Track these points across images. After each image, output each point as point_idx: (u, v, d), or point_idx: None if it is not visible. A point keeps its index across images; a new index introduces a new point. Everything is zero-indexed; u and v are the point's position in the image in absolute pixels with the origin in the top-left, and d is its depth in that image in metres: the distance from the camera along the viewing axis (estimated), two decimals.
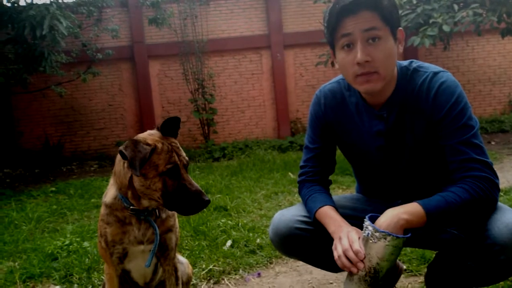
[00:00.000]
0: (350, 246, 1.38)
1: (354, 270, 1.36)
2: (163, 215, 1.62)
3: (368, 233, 1.35)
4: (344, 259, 1.37)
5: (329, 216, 1.53)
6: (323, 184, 1.70)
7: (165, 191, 1.45)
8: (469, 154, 1.36)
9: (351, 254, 1.36)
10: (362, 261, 1.35)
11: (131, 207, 1.53)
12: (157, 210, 1.60)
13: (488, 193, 1.33)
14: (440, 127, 1.42)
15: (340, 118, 1.61)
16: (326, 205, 1.57)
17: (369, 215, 1.40)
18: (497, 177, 1.36)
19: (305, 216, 1.62)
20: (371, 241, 1.34)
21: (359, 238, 1.39)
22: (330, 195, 1.67)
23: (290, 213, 1.66)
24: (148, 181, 1.44)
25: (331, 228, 1.49)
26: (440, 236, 1.50)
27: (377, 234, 1.33)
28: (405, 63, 1.52)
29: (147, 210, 1.55)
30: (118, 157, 1.52)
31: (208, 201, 1.46)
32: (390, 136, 1.53)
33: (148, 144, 1.43)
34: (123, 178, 1.51)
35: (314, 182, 1.68)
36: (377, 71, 1.38)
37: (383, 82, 1.41)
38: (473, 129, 1.39)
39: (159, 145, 1.45)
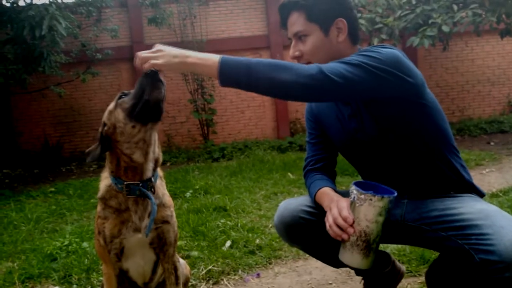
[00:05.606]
0: (339, 214, 1.40)
1: (345, 236, 1.38)
2: (156, 201, 1.58)
3: (354, 197, 1.39)
4: (335, 228, 1.40)
5: (325, 193, 1.57)
6: (326, 171, 1.73)
7: (137, 89, 1.51)
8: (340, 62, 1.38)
9: (340, 221, 1.39)
10: (352, 226, 1.37)
11: (125, 182, 1.52)
12: (152, 185, 1.57)
13: (314, 79, 1.31)
14: None
15: (325, 110, 1.70)
16: (324, 186, 1.61)
17: (355, 181, 1.43)
18: (336, 78, 1.32)
19: (310, 207, 1.65)
20: (357, 205, 1.37)
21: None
22: (331, 180, 1.69)
23: (296, 202, 1.70)
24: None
25: (325, 203, 1.53)
26: (445, 243, 1.42)
27: (362, 196, 1.36)
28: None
29: (141, 181, 1.53)
30: None
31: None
32: (359, 117, 1.54)
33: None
34: (112, 153, 1.54)
35: (316, 171, 1.73)
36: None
37: None
38: (374, 58, 1.37)
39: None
